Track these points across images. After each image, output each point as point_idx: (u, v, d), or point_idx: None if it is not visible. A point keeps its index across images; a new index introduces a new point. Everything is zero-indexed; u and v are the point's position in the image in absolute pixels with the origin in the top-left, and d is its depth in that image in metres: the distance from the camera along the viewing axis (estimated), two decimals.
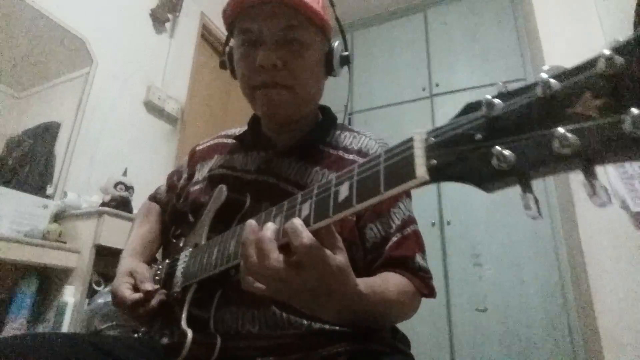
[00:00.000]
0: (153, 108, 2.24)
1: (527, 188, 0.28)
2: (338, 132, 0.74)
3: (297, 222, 0.41)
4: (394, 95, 2.83)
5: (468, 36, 2.74)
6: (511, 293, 2.08)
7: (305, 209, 0.43)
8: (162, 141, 2.30)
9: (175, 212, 0.79)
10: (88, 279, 1.48)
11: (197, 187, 0.74)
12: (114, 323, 0.99)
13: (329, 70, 0.72)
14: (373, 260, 0.61)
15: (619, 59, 0.23)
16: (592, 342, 1.63)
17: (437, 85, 2.73)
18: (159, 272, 0.70)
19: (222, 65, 0.75)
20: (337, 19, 0.79)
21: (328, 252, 0.41)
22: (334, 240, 0.43)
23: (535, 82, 0.27)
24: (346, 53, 0.74)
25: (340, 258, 0.42)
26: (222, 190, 0.64)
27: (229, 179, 0.69)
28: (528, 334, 1.98)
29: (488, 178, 0.29)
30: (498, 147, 0.28)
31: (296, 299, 0.44)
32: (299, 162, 0.68)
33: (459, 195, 2.31)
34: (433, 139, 0.33)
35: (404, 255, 0.61)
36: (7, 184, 1.56)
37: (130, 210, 1.68)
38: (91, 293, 1.48)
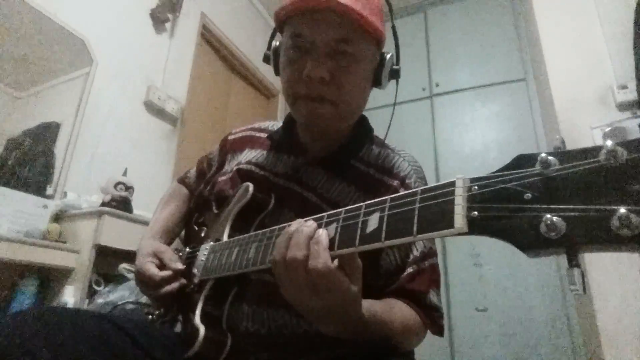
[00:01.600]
0: (153, 108, 2.24)
1: (574, 262, 0.25)
2: (372, 146, 0.73)
3: (323, 241, 0.40)
4: (393, 95, 2.83)
5: (468, 36, 2.74)
6: (511, 293, 2.08)
7: (330, 231, 0.42)
8: (162, 141, 2.29)
9: (202, 199, 0.80)
10: (88, 279, 1.47)
11: (224, 177, 0.74)
12: (132, 300, 1.00)
13: (377, 82, 0.69)
14: (385, 285, 0.61)
15: None
16: (592, 342, 1.63)
17: (437, 85, 2.73)
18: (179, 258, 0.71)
19: (266, 60, 0.72)
20: (393, 28, 0.74)
21: (345, 281, 0.41)
22: (355, 268, 0.42)
23: (599, 146, 0.25)
24: (397, 67, 0.72)
25: (355, 290, 0.42)
26: (248, 189, 0.65)
27: (255, 177, 0.69)
28: (528, 334, 1.98)
29: (533, 244, 0.27)
30: (549, 215, 0.25)
31: (302, 308, 0.44)
32: (327, 175, 0.67)
33: None
34: (477, 188, 0.31)
35: (418, 290, 0.60)
36: (7, 184, 1.56)
37: (130, 210, 1.68)
38: (91, 293, 1.48)
